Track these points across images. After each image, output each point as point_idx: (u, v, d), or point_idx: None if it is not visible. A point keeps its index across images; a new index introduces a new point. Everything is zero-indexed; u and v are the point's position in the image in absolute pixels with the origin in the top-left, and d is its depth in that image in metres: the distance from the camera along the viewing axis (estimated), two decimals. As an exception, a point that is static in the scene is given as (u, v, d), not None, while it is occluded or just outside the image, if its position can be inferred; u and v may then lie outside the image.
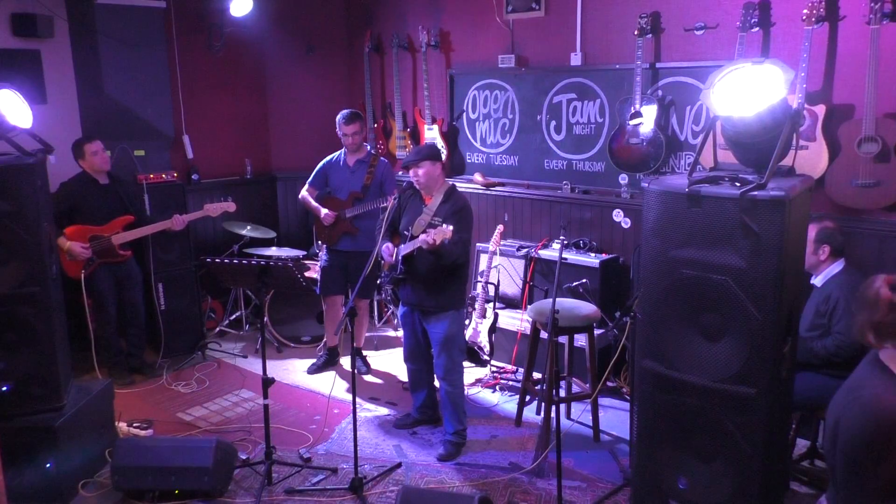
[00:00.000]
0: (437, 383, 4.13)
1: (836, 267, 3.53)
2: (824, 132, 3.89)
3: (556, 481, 3.31)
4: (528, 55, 5.37)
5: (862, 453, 1.89)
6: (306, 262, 5.28)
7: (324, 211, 4.79)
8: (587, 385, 4.23)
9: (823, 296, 3.48)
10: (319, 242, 5.14)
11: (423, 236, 3.54)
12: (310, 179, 4.97)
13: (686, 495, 2.75)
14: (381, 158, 4.90)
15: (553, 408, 3.64)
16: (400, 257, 3.78)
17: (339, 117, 4.75)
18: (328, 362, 5.13)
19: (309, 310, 5.65)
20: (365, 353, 5.24)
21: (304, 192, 4.97)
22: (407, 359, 4.15)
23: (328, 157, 4.96)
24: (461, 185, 5.66)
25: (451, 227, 3.49)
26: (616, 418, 4.32)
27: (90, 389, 3.82)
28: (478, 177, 5.71)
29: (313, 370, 5.11)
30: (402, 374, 5.02)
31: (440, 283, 3.78)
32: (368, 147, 4.90)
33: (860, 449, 1.89)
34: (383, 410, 4.51)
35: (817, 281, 3.56)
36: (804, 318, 3.54)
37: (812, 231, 3.46)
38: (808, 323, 3.49)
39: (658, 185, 2.67)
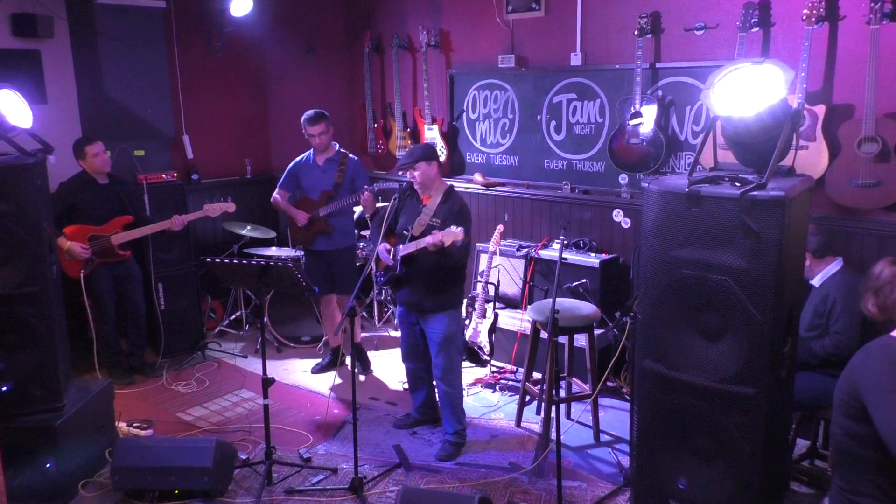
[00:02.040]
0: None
1: (834, 267, 3.53)
2: (824, 132, 3.89)
3: (556, 481, 3.31)
4: (528, 55, 5.37)
5: (887, 381, 1.91)
6: (306, 262, 5.28)
7: (300, 214, 4.78)
8: (587, 385, 4.23)
9: (821, 296, 3.49)
10: (295, 245, 5.15)
11: (429, 238, 3.52)
12: (280, 182, 4.96)
13: (686, 495, 2.75)
14: (351, 156, 4.88)
15: (553, 408, 3.64)
16: (399, 257, 3.78)
17: (303, 119, 4.74)
18: (332, 363, 5.13)
19: (309, 310, 5.65)
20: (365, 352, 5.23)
21: (275, 195, 4.95)
22: (405, 358, 4.15)
23: (297, 159, 4.94)
24: (461, 186, 5.66)
25: (461, 229, 3.48)
26: (616, 418, 4.32)
27: (90, 389, 3.82)
28: (478, 177, 5.71)
29: (317, 370, 5.11)
30: (402, 373, 5.02)
31: (439, 282, 3.78)
32: (337, 146, 4.89)
33: (885, 379, 1.92)
34: (383, 410, 4.51)
35: (815, 281, 3.57)
36: (802, 319, 3.54)
37: None
38: (806, 323, 3.49)
39: (658, 185, 2.67)
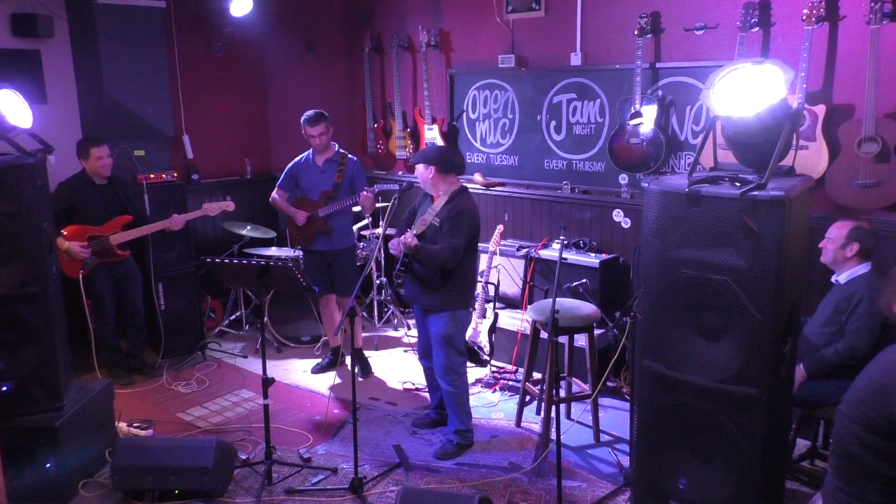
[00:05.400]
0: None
1: (863, 268, 3.47)
2: (824, 132, 3.89)
3: (556, 481, 3.31)
4: (528, 55, 5.37)
5: None
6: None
7: (299, 214, 4.79)
8: (587, 385, 4.23)
9: (846, 293, 3.43)
10: (294, 246, 5.14)
11: (392, 242, 3.70)
12: (279, 182, 4.95)
13: (686, 495, 2.75)
14: (350, 156, 4.88)
15: (553, 408, 3.64)
16: (401, 254, 3.81)
17: (303, 119, 4.74)
18: (332, 363, 5.13)
19: (309, 310, 5.65)
20: (365, 352, 5.22)
21: (273, 195, 4.94)
22: (420, 357, 4.18)
23: (296, 159, 4.94)
24: (461, 185, 5.66)
25: (411, 233, 3.65)
26: (616, 418, 4.32)
27: (90, 389, 3.82)
28: (478, 177, 5.71)
29: (317, 370, 5.11)
30: (403, 373, 5.03)
31: (435, 282, 3.80)
32: (336, 146, 4.89)
33: None
34: (383, 410, 4.51)
35: (841, 278, 3.50)
36: (819, 315, 3.51)
37: (845, 228, 3.43)
38: (822, 319, 3.46)
39: (658, 185, 2.67)
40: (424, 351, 4.10)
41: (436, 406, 4.24)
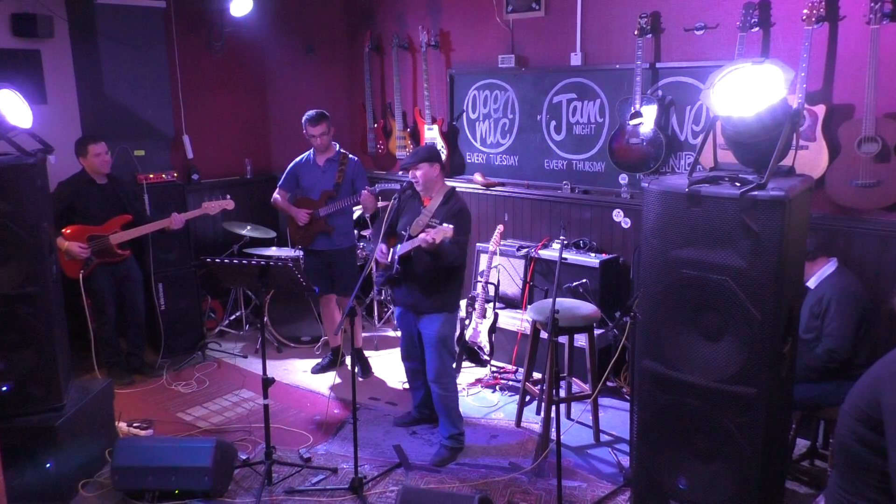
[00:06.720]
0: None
1: (829, 268, 3.52)
2: (824, 132, 3.89)
3: (556, 481, 3.31)
4: (528, 55, 5.37)
5: None
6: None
7: (300, 213, 4.79)
8: (587, 385, 4.23)
9: (816, 297, 3.47)
10: (295, 245, 5.14)
11: (422, 235, 3.54)
12: (280, 182, 4.96)
13: (686, 495, 2.75)
14: (351, 156, 4.89)
15: (553, 408, 3.64)
16: (396, 257, 3.79)
17: (304, 119, 4.74)
18: (332, 363, 5.13)
19: (309, 310, 5.65)
20: (365, 352, 5.22)
21: (275, 195, 4.95)
22: (403, 358, 4.17)
23: (297, 159, 4.95)
24: (461, 186, 5.66)
25: (451, 226, 3.50)
26: (616, 418, 4.32)
27: (90, 389, 3.82)
28: (478, 177, 5.71)
29: (317, 370, 5.11)
30: (402, 373, 5.02)
31: (436, 284, 3.79)
32: (337, 146, 4.89)
33: None
34: (383, 410, 4.51)
35: (811, 283, 3.55)
36: (801, 321, 3.53)
37: None
38: (803, 325, 3.48)
39: (658, 185, 2.67)
40: (408, 352, 4.12)
41: (417, 405, 4.25)
